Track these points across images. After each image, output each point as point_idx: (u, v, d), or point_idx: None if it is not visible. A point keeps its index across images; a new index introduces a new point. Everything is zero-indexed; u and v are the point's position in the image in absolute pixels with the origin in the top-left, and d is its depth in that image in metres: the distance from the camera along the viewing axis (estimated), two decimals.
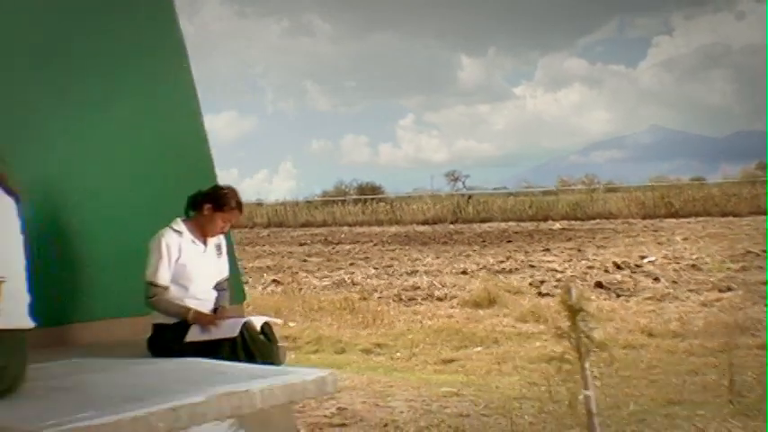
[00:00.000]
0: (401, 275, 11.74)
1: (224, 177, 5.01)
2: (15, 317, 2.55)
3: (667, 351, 6.11)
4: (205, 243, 3.90)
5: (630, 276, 10.40)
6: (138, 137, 4.52)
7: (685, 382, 5.09)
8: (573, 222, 22.77)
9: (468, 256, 14.33)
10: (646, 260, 11.91)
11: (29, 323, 2.61)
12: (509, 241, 17.44)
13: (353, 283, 10.96)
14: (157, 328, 3.76)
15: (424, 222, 25.50)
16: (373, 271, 12.49)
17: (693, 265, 11.10)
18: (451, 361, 6.27)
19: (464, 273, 11.73)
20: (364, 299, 9.29)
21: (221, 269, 4.02)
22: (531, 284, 10.10)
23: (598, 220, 22.84)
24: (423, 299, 9.48)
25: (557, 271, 11.40)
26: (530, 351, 6.40)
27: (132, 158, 4.47)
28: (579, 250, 14.31)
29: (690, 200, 23.48)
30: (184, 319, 3.70)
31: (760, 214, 19.30)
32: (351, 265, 13.72)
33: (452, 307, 8.84)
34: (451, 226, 23.89)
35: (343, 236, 21.53)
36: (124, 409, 2.35)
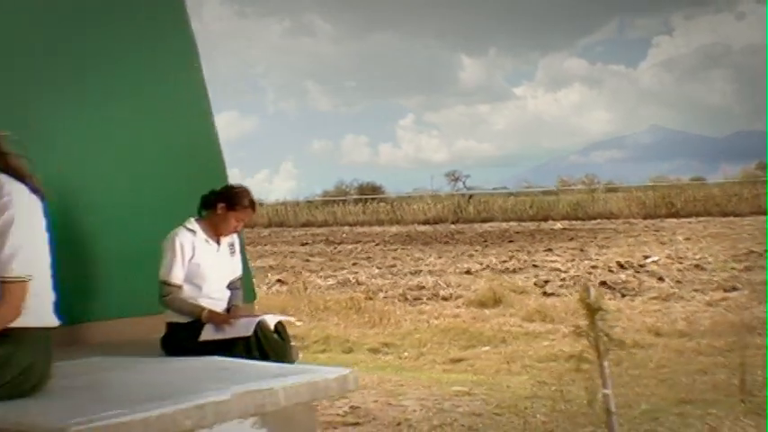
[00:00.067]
0: (405, 275, 11.76)
1: None
2: (41, 315, 2.56)
3: (676, 351, 6.13)
4: (218, 242, 3.91)
5: (634, 276, 10.42)
6: (150, 136, 4.52)
7: (695, 381, 5.11)
8: (574, 222, 22.79)
9: (470, 255, 14.34)
10: (649, 260, 11.93)
11: (54, 321, 2.63)
12: (511, 241, 17.45)
13: (358, 283, 10.98)
14: (171, 327, 3.77)
15: (425, 222, 25.51)
16: (377, 271, 12.51)
17: (697, 265, 11.13)
18: (460, 360, 6.30)
19: (468, 272, 11.76)
20: (370, 298, 9.30)
21: (234, 268, 4.03)
22: (535, 284, 10.13)
23: (599, 220, 22.86)
24: (428, 298, 9.51)
25: (560, 271, 11.43)
26: (538, 350, 6.42)
27: (144, 158, 4.47)
28: (582, 250, 14.34)
29: (691, 200, 23.50)
30: (198, 319, 3.71)
31: (761, 214, 19.31)
32: (354, 264, 13.73)
33: (458, 306, 8.87)
34: (453, 226, 23.90)
35: (344, 236, 21.55)
36: (150, 407, 2.36)
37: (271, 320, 3.76)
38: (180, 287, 3.75)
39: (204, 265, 3.81)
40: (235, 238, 4.03)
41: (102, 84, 4.32)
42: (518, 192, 31.10)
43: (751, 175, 27.25)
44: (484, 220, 24.92)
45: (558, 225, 21.87)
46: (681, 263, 11.49)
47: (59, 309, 2.64)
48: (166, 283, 3.74)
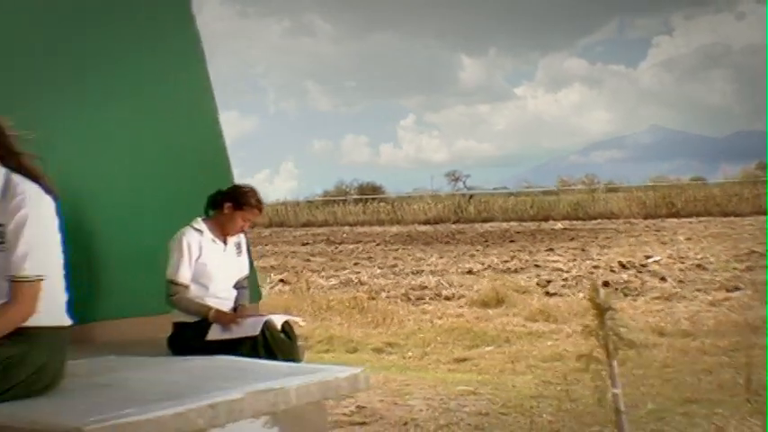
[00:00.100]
0: (407, 275, 11.77)
1: None
2: (54, 315, 2.58)
3: (680, 350, 6.14)
4: (225, 242, 3.92)
5: (637, 276, 10.44)
6: (155, 136, 4.52)
7: (701, 380, 5.12)
8: (575, 222, 22.80)
9: (472, 255, 14.36)
10: (651, 260, 11.94)
11: (67, 321, 2.64)
12: (512, 241, 17.47)
13: (360, 283, 10.99)
14: (178, 326, 3.77)
15: (426, 222, 25.52)
16: (378, 270, 12.52)
17: (699, 265, 11.14)
18: (464, 360, 6.31)
19: (470, 272, 11.77)
20: (372, 298, 9.31)
21: (241, 268, 4.04)
22: (537, 284, 10.14)
23: (599, 220, 22.89)
24: (431, 298, 9.52)
25: (562, 271, 11.44)
26: (542, 350, 6.44)
27: (150, 158, 4.47)
28: (583, 250, 14.36)
29: (691, 200, 23.52)
30: (205, 318, 3.72)
31: (761, 214, 19.32)
32: (355, 264, 13.74)
33: (461, 306, 8.88)
34: (453, 226, 23.92)
35: (345, 235, 21.56)
36: (163, 406, 2.36)
37: (278, 320, 3.77)
38: (187, 287, 3.76)
39: (211, 265, 3.82)
40: (241, 237, 4.04)
41: (107, 83, 4.31)
42: (518, 192, 31.11)
43: (751, 175, 27.27)
44: (484, 220, 24.94)
45: (559, 225, 21.88)
46: (683, 263, 11.50)
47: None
48: (173, 283, 3.75)
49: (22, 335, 2.47)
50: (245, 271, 4.08)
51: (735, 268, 10.63)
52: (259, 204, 3.96)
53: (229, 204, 3.87)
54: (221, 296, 3.87)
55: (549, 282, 10.27)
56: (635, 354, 5.93)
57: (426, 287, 10.27)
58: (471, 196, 29.55)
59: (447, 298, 9.45)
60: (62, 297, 2.62)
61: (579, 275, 10.74)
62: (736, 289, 8.95)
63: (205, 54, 4.83)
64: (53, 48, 4.15)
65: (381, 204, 29.34)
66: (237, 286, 3.99)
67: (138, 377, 2.91)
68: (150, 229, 4.23)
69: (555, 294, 9.32)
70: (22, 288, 2.45)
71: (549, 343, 6.72)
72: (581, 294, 9.11)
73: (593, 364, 2.95)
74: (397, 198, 31.43)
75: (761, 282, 9.18)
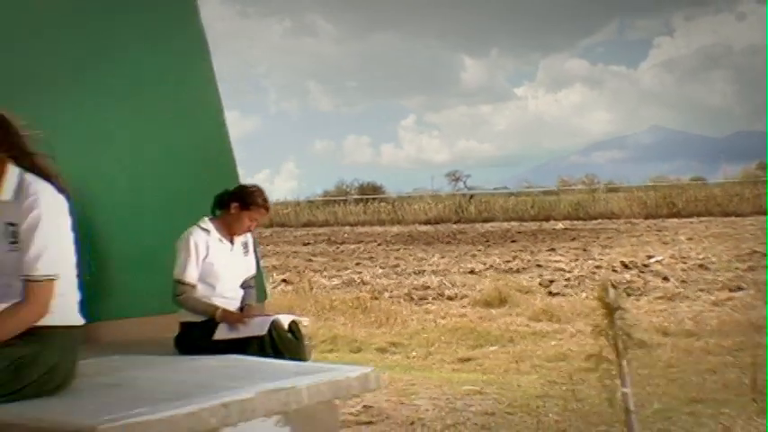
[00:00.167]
0: (409, 275, 11.77)
1: None
2: (66, 314, 2.58)
3: (684, 350, 6.14)
4: (232, 241, 3.93)
5: (639, 276, 10.44)
6: (161, 135, 4.52)
7: (706, 380, 5.12)
8: (575, 222, 22.80)
9: (473, 255, 14.36)
10: (653, 260, 11.94)
11: (79, 320, 2.64)
12: (513, 241, 17.47)
13: (363, 283, 11.00)
14: (185, 326, 3.78)
15: (426, 222, 25.51)
16: (380, 270, 12.52)
17: (701, 265, 11.14)
18: (468, 360, 6.31)
19: (472, 272, 11.77)
20: (375, 298, 9.32)
21: (248, 267, 4.05)
22: (540, 284, 10.14)
23: (600, 220, 22.88)
24: (433, 298, 9.52)
25: (564, 270, 11.44)
26: (546, 350, 6.44)
27: (157, 157, 4.48)
28: (585, 250, 14.36)
29: (692, 200, 23.52)
30: (212, 318, 3.73)
31: (762, 214, 19.32)
32: (357, 264, 13.74)
33: (464, 306, 8.89)
34: (454, 226, 23.92)
35: (346, 235, 21.55)
36: (176, 405, 2.37)
37: (284, 320, 3.78)
38: (194, 286, 3.77)
39: (218, 265, 3.83)
40: (248, 237, 4.05)
41: (108, 81, 4.31)
42: (519, 192, 31.11)
43: (751, 175, 27.27)
44: (485, 220, 24.93)
45: (560, 225, 21.88)
46: (685, 263, 11.51)
47: None
48: (180, 282, 3.75)
49: (35, 334, 2.48)
50: (252, 270, 4.09)
51: (737, 268, 10.64)
52: (266, 204, 3.97)
53: (236, 204, 3.88)
54: (228, 296, 3.88)
55: (551, 282, 10.28)
56: (640, 353, 5.95)
57: (429, 287, 10.27)
58: (472, 196, 29.55)
59: (450, 298, 9.45)
60: (75, 296, 2.63)
61: (582, 275, 10.74)
62: (739, 289, 8.96)
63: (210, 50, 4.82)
64: (54, 47, 4.15)
65: (382, 204, 29.33)
66: (244, 286, 4.00)
67: (147, 376, 2.91)
68: (155, 228, 4.24)
69: (558, 294, 9.33)
70: (34, 288, 2.46)
71: (553, 343, 6.73)
72: (584, 294, 9.12)
73: (603, 363, 2.97)
74: (398, 198, 31.42)
75: (763, 282, 9.18)
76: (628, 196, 25.36)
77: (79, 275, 2.67)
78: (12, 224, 2.46)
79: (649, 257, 12.21)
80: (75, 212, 2.61)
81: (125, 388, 2.69)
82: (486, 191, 32.61)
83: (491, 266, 12.32)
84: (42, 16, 4.14)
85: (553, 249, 14.68)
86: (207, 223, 3.87)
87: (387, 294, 9.81)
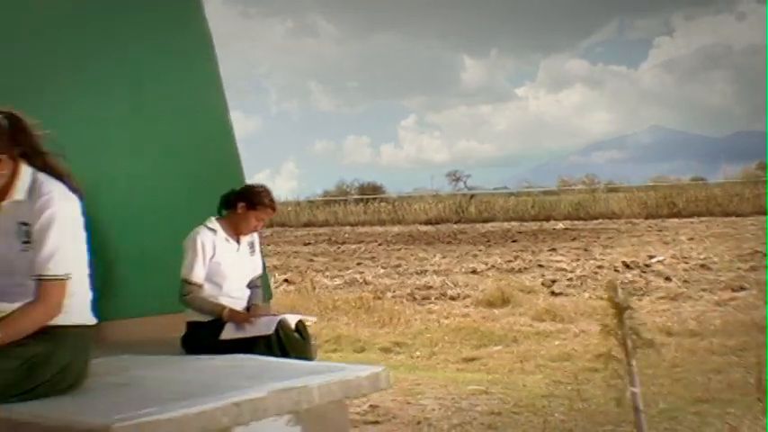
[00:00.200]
0: (411, 275, 11.78)
1: None
2: (79, 313, 2.59)
3: (688, 350, 6.14)
4: (238, 241, 3.93)
5: (641, 276, 10.45)
6: (167, 134, 4.51)
7: (710, 380, 5.12)
8: (576, 222, 22.79)
9: (474, 255, 14.36)
10: (654, 260, 11.95)
11: (92, 320, 2.65)
12: (514, 241, 17.48)
13: (365, 283, 11.00)
14: (192, 325, 3.79)
15: (427, 222, 25.50)
16: (382, 270, 12.52)
17: (703, 265, 11.15)
18: (473, 359, 6.32)
19: (474, 272, 11.78)
20: (378, 298, 9.32)
21: (254, 267, 4.05)
22: (542, 284, 10.15)
23: (601, 220, 22.88)
24: (436, 298, 9.52)
25: (566, 270, 11.45)
26: (550, 350, 6.44)
27: (163, 156, 4.47)
28: (586, 250, 14.37)
29: (692, 200, 23.52)
30: (219, 317, 3.73)
31: (762, 214, 19.33)
32: (358, 264, 13.74)
33: (467, 306, 8.89)
34: (455, 226, 23.92)
35: (346, 235, 21.56)
36: (186, 405, 2.38)
37: (291, 319, 3.78)
38: (201, 286, 3.77)
39: (225, 264, 3.83)
40: (255, 237, 4.05)
41: (112, 79, 4.29)
42: (519, 192, 31.11)
43: (752, 175, 27.27)
44: (486, 220, 24.92)
45: (561, 225, 21.88)
46: (686, 263, 11.51)
47: None
48: (187, 282, 3.76)
49: (47, 334, 2.48)
50: (259, 270, 4.10)
51: (739, 268, 10.65)
52: (272, 204, 3.98)
53: (243, 204, 3.88)
54: (235, 295, 3.88)
55: (553, 281, 10.28)
56: (644, 353, 5.94)
57: (431, 287, 10.28)
58: (472, 196, 29.55)
59: (452, 298, 9.46)
60: (87, 296, 2.64)
61: (584, 275, 10.75)
62: (742, 289, 8.96)
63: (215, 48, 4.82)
64: (54, 47, 4.13)
65: (382, 204, 29.33)
66: (251, 285, 4.01)
67: (157, 376, 2.92)
68: (164, 228, 4.23)
69: (560, 294, 9.33)
70: (47, 287, 2.46)
71: (557, 342, 6.73)
72: (586, 294, 9.13)
73: (613, 363, 2.97)
74: (398, 198, 31.42)
75: (765, 282, 9.19)
76: (628, 196, 25.36)
77: (91, 275, 2.67)
78: (25, 224, 2.47)
79: (651, 257, 12.22)
80: (86, 212, 2.61)
81: (134, 387, 2.69)
82: (486, 191, 32.62)
83: (493, 266, 12.33)
84: (42, 16, 4.12)
85: (554, 249, 14.69)
86: (214, 223, 3.88)
87: (389, 294, 9.82)
